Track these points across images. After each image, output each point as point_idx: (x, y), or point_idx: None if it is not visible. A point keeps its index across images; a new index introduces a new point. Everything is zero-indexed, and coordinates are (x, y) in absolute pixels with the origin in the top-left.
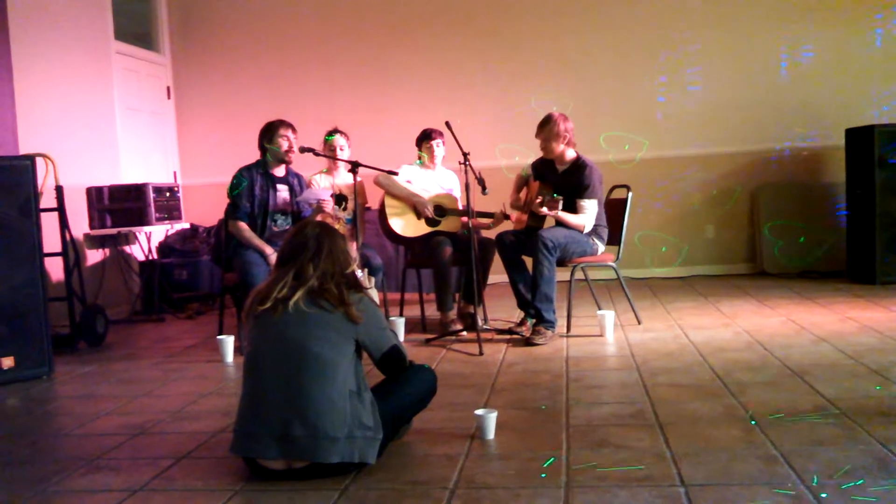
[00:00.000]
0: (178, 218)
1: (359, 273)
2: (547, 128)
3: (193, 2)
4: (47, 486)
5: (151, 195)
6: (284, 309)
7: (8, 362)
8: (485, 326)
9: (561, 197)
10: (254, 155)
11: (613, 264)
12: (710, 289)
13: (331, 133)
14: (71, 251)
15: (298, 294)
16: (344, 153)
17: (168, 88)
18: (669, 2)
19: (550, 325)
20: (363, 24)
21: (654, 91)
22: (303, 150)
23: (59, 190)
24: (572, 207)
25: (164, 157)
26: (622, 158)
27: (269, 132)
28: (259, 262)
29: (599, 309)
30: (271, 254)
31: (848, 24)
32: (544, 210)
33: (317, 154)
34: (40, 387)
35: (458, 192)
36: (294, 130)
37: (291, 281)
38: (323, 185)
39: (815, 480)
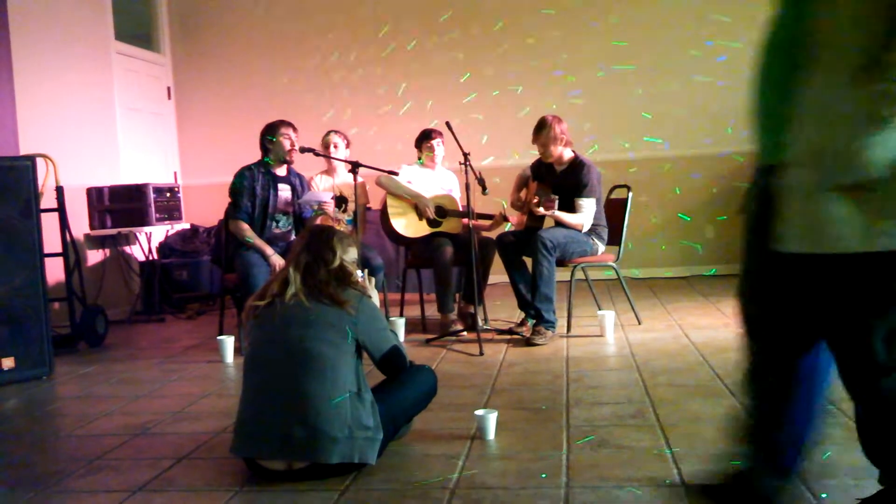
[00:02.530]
0: (179, 218)
1: (359, 274)
2: (543, 133)
3: (194, 2)
4: (47, 486)
5: (152, 195)
6: (282, 303)
7: (8, 363)
8: (485, 327)
9: (557, 196)
10: (254, 155)
11: (614, 264)
12: (711, 289)
13: (327, 133)
14: (71, 252)
15: (292, 289)
16: (338, 152)
17: (168, 89)
18: (672, 3)
19: (551, 325)
20: (364, 23)
21: (657, 91)
22: (303, 150)
23: (59, 190)
24: (571, 207)
25: (165, 158)
26: (622, 159)
27: (271, 131)
28: (259, 262)
29: (600, 309)
30: (272, 254)
31: None
32: (541, 210)
33: (317, 154)
34: (40, 387)
35: (457, 193)
36: (295, 130)
37: (282, 277)
38: (323, 186)
39: (816, 483)
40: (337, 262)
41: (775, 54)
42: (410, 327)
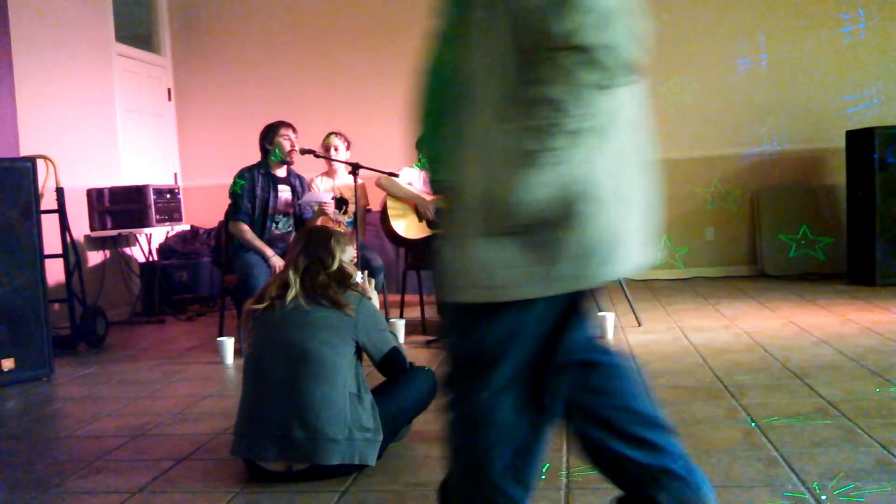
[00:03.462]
0: (179, 220)
1: (359, 275)
2: None
3: (194, 4)
4: (47, 487)
5: (152, 197)
6: (282, 306)
7: (8, 364)
8: None
9: None
10: (255, 157)
11: None
12: (711, 290)
13: (328, 135)
14: (71, 253)
15: (292, 292)
16: (339, 154)
17: (169, 90)
18: (670, 2)
19: None
20: (365, 25)
21: (656, 93)
22: (303, 151)
23: (59, 192)
24: None
25: (165, 159)
26: None
27: (271, 133)
28: (260, 263)
29: (599, 310)
30: (272, 256)
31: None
32: None
33: (317, 156)
34: (40, 388)
35: None
36: (295, 131)
37: (281, 280)
38: (323, 188)
39: (816, 485)
40: (336, 265)
41: (433, 93)
42: (410, 329)
